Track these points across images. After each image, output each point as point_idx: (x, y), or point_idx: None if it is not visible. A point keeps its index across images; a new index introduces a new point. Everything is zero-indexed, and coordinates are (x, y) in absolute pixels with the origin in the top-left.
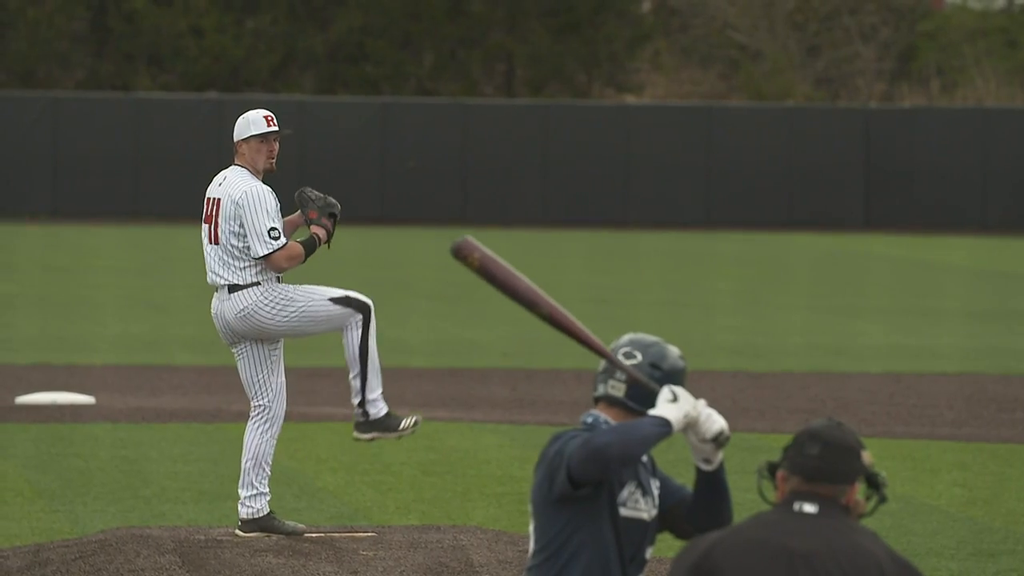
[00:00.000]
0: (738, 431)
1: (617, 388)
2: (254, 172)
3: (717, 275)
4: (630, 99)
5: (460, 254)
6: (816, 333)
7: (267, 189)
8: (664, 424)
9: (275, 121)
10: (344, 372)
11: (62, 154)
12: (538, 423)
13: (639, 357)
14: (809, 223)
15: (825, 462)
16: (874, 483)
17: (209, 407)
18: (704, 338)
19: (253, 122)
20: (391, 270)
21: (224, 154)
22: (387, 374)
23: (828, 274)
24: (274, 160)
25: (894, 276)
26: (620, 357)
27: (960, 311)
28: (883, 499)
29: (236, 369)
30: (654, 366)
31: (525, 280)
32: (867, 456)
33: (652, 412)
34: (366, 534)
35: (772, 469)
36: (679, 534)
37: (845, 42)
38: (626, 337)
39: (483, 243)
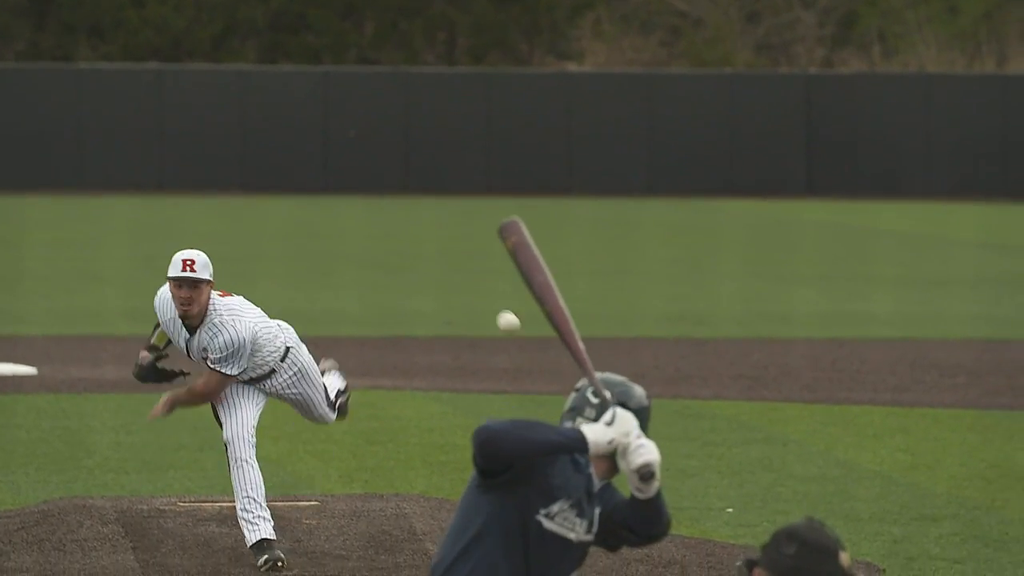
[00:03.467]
0: (681, 398)
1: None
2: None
3: (659, 242)
4: (571, 67)
5: (502, 234)
6: (758, 300)
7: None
8: (577, 439)
9: (196, 267)
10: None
11: (2, 126)
12: (481, 391)
13: (605, 395)
14: (751, 190)
15: (800, 561)
16: None
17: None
18: (646, 305)
19: (172, 263)
20: (333, 240)
21: (166, 123)
22: (329, 343)
23: (770, 241)
24: (187, 308)
25: (836, 242)
26: (588, 395)
27: (902, 277)
28: None
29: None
30: (620, 405)
31: (545, 276)
32: (845, 558)
33: (581, 427)
34: (309, 503)
35: (750, 565)
36: (616, 541)
37: (786, 8)
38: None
39: (426, 211)
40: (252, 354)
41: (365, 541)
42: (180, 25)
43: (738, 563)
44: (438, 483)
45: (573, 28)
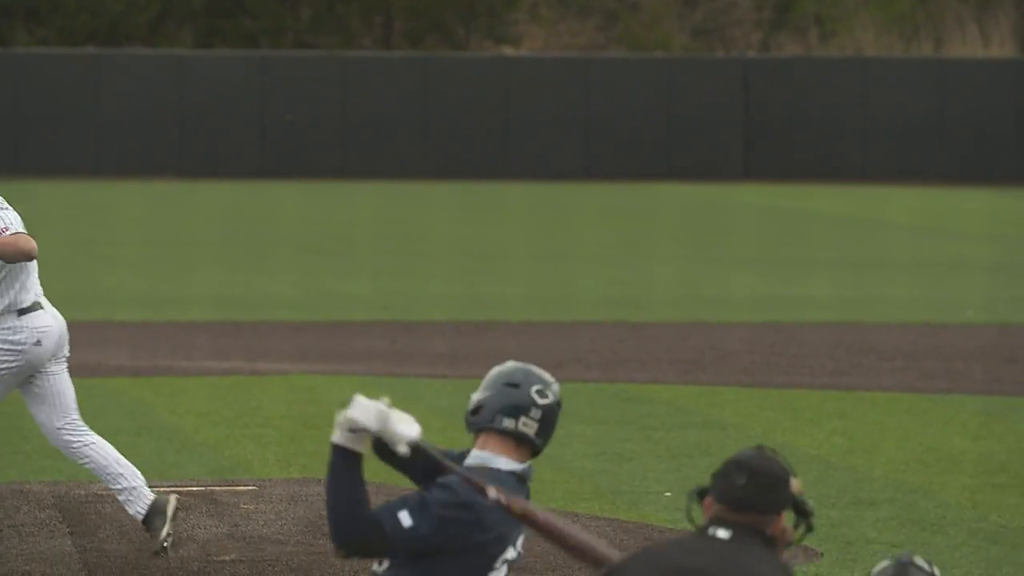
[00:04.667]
0: (619, 382)
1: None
2: None
3: (597, 227)
4: (508, 51)
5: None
6: (696, 284)
7: None
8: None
9: None
10: (220, 326)
11: None
12: (417, 376)
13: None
14: (688, 174)
15: (751, 492)
16: (802, 511)
17: (89, 361)
18: (584, 289)
19: None
20: (269, 224)
21: (103, 108)
22: (267, 328)
23: (708, 225)
24: None
25: (774, 226)
26: (532, 394)
27: (840, 260)
28: (811, 528)
29: (114, 326)
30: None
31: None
32: (796, 484)
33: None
34: (247, 488)
35: (701, 494)
36: None
37: None
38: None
39: (363, 195)
40: None
41: (303, 526)
42: (117, 9)
43: (689, 492)
44: (375, 467)
45: (510, 12)
